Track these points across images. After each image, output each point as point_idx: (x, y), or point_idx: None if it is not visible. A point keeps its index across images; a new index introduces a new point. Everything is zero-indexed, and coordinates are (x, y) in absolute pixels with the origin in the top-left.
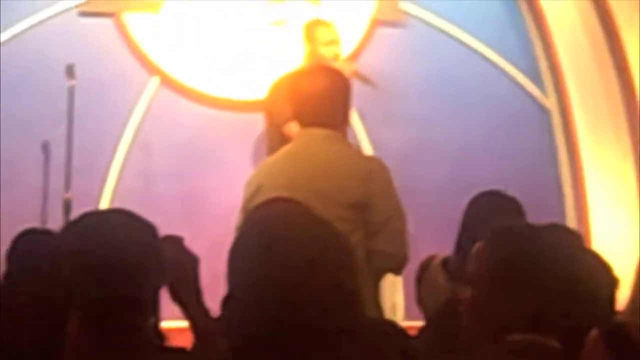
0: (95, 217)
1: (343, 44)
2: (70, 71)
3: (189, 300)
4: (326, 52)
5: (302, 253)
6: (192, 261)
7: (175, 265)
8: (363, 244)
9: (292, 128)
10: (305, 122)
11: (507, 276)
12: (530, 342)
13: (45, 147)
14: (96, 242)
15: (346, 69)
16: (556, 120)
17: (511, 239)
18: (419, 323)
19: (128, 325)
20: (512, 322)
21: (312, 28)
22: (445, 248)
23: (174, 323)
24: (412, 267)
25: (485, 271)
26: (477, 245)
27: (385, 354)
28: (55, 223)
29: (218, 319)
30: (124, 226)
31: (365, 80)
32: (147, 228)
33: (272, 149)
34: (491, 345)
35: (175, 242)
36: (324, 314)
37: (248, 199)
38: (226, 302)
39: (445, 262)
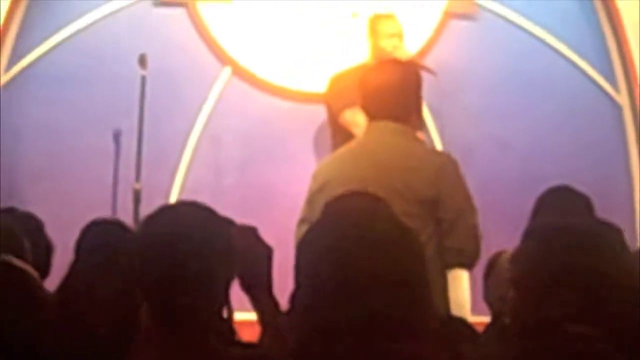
0: (170, 211)
1: (415, 37)
2: (142, 61)
3: (260, 291)
4: (386, 44)
5: (375, 249)
6: (265, 251)
7: (247, 256)
8: (434, 240)
9: (347, 117)
10: (374, 115)
11: (546, 275)
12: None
13: (117, 137)
14: (169, 236)
15: (403, 56)
16: (627, 116)
17: (547, 237)
18: (486, 318)
19: (199, 318)
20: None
21: (374, 21)
22: (513, 243)
23: (242, 314)
24: (480, 262)
25: (523, 271)
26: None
27: (455, 351)
28: (126, 213)
29: (287, 313)
30: (197, 219)
31: (423, 68)
32: (221, 221)
33: (334, 142)
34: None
35: (249, 231)
36: (393, 309)
37: (315, 192)
38: (294, 295)
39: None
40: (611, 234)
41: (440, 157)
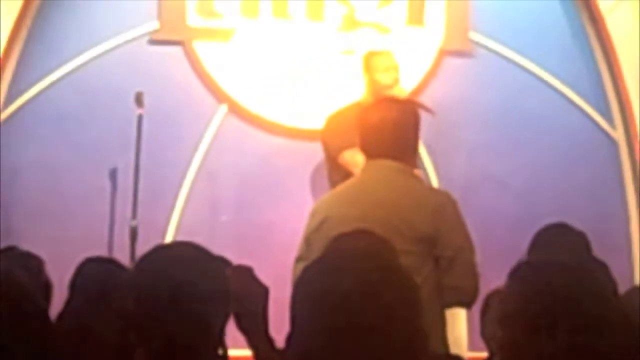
0: (165, 251)
1: (411, 74)
2: (139, 99)
3: (255, 330)
4: (384, 78)
5: (371, 294)
6: (261, 291)
7: (243, 296)
8: (432, 277)
9: (347, 157)
10: (372, 154)
11: (530, 315)
12: None
13: (113, 175)
14: (164, 276)
15: (399, 94)
16: (624, 152)
17: (531, 275)
18: (483, 354)
19: (194, 358)
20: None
21: (369, 58)
22: None
23: (237, 352)
24: (477, 299)
25: (508, 310)
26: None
27: None
28: (122, 250)
29: (282, 352)
30: (192, 259)
31: (421, 106)
32: (217, 262)
33: (331, 180)
34: None
35: (245, 271)
36: (387, 356)
37: (313, 230)
38: (290, 336)
39: None
40: (596, 270)
41: (439, 195)
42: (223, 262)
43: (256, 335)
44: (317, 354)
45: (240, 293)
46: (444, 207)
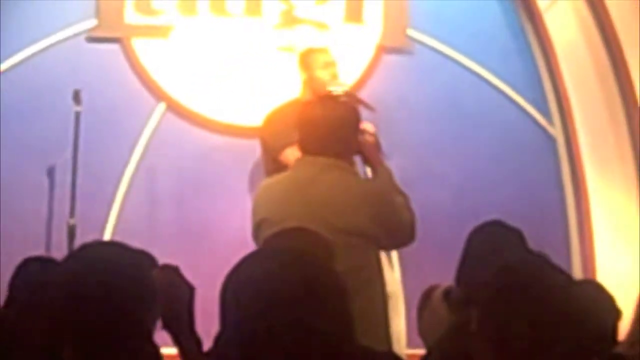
0: (92, 250)
1: (350, 70)
2: (77, 96)
3: (180, 330)
4: (323, 74)
5: (298, 292)
6: (186, 291)
7: (168, 295)
8: (373, 272)
9: (289, 155)
10: (311, 150)
11: (503, 309)
12: None
13: (51, 173)
14: (90, 274)
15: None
16: (561, 148)
17: (509, 274)
18: (422, 351)
19: (122, 356)
20: (509, 356)
21: (306, 56)
22: (448, 276)
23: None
24: (414, 295)
25: (484, 305)
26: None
27: None
28: (60, 249)
29: (209, 352)
30: (119, 259)
31: (361, 102)
32: (143, 260)
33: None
34: None
35: (170, 271)
36: (314, 351)
37: (254, 229)
38: (219, 334)
39: (447, 293)
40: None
41: (368, 185)
42: (149, 260)
43: (182, 335)
44: (242, 351)
45: (166, 292)
46: (375, 196)
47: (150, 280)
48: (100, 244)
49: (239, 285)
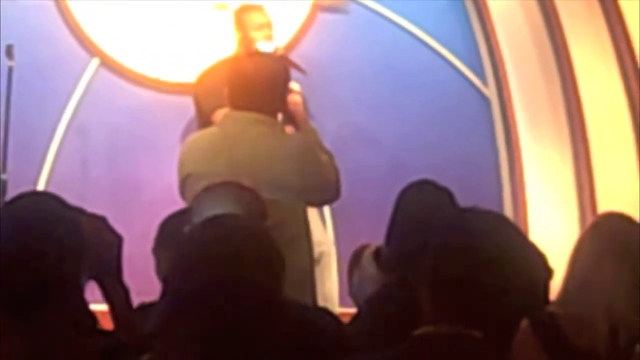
0: (21, 201)
1: (283, 30)
2: (9, 51)
3: (109, 280)
4: (258, 35)
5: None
6: (114, 240)
7: (95, 244)
8: (301, 227)
9: (221, 116)
10: (236, 105)
11: (432, 265)
12: (440, 334)
13: None
14: (19, 225)
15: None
16: (495, 109)
17: (439, 227)
18: (353, 310)
19: (51, 310)
20: (438, 315)
21: (241, 14)
22: (381, 237)
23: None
24: (347, 255)
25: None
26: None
27: (318, 341)
28: None
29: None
30: (47, 208)
31: (292, 64)
32: (71, 211)
33: None
34: (404, 341)
35: (98, 220)
36: (247, 302)
37: (180, 183)
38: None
39: (377, 253)
40: (503, 225)
41: (294, 140)
42: (77, 211)
43: (110, 285)
44: (185, 311)
45: (94, 241)
46: (305, 153)
47: (79, 229)
48: (31, 194)
49: (175, 244)
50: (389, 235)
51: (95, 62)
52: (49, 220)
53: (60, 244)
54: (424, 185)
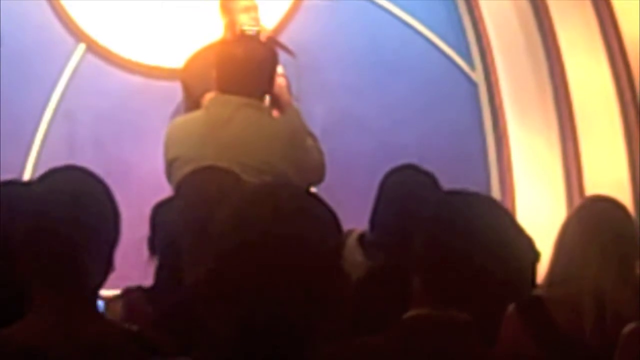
0: (59, 174)
1: (270, 14)
2: None
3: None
4: (244, 18)
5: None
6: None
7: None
8: None
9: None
10: (223, 89)
11: (421, 248)
12: (428, 317)
13: None
14: (55, 200)
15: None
16: (483, 93)
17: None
18: None
19: (85, 283)
20: (426, 298)
21: None
22: (367, 221)
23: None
24: None
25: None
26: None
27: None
28: None
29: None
30: (86, 180)
31: (281, 46)
32: (105, 186)
33: None
34: (394, 324)
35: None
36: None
37: (167, 168)
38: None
39: (361, 238)
40: (492, 209)
41: (279, 124)
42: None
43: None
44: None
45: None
46: (291, 136)
47: (116, 205)
48: (67, 167)
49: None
50: (373, 219)
51: (82, 47)
52: (86, 193)
53: (98, 216)
54: (407, 169)
